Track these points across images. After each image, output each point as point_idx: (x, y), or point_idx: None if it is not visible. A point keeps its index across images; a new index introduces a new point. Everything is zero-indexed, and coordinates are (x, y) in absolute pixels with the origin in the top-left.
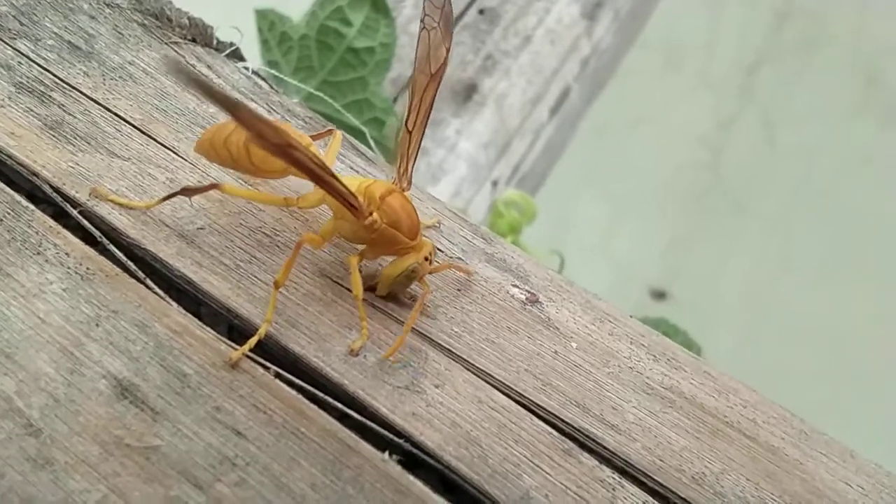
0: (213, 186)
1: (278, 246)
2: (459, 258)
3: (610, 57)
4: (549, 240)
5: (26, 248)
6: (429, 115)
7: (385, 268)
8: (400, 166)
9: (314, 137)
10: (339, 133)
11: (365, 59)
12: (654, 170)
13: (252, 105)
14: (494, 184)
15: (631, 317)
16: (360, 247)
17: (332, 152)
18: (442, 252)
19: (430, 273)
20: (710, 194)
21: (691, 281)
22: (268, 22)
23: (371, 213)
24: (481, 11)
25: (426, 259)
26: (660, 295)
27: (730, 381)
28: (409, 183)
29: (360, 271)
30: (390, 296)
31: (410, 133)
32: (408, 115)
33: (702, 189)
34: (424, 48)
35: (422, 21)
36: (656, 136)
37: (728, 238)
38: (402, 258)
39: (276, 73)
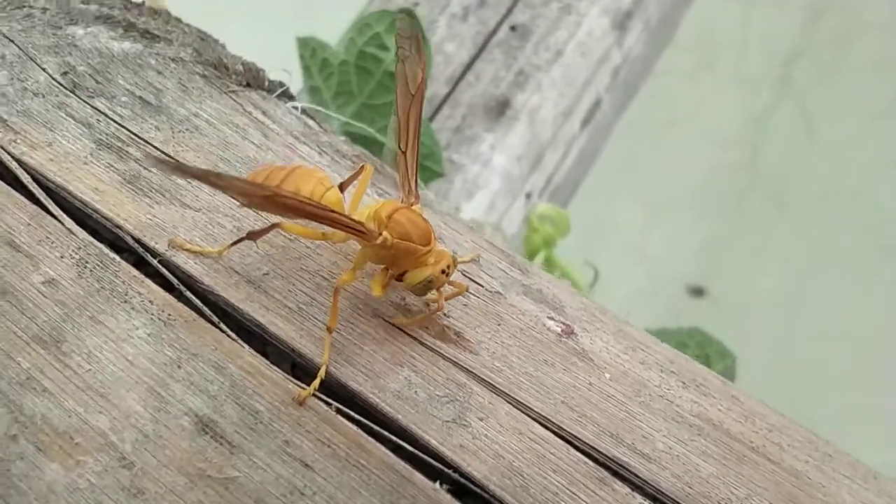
0: (274, 227)
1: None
2: (499, 292)
3: (641, 65)
4: (585, 243)
5: (114, 297)
6: (418, 133)
7: (408, 274)
8: (404, 186)
9: (350, 179)
10: (369, 167)
11: None
12: (690, 169)
13: (303, 148)
14: (528, 196)
15: (662, 341)
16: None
17: (362, 187)
18: (481, 287)
19: (447, 293)
20: (746, 193)
21: (728, 279)
22: (309, 49)
23: (381, 234)
24: (513, 28)
25: (444, 272)
26: (698, 291)
27: (757, 406)
28: (417, 198)
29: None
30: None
31: (405, 153)
32: (399, 138)
33: (738, 187)
34: (402, 75)
35: (396, 54)
36: (691, 136)
37: (765, 236)
38: (420, 269)
39: (316, 107)
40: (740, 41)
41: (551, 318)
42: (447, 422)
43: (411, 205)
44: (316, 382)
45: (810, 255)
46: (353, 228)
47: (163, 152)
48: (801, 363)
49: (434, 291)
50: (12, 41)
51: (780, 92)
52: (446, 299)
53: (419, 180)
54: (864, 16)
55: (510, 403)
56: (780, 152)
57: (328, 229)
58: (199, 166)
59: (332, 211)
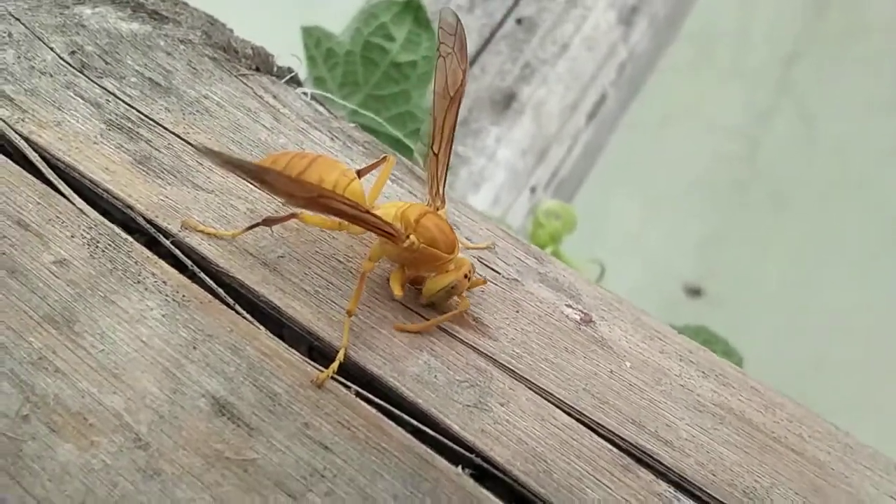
0: (293, 216)
1: (350, 272)
2: (515, 279)
3: (646, 60)
4: (585, 238)
5: (127, 277)
6: (453, 137)
7: (428, 281)
8: (432, 188)
9: (368, 168)
10: (391, 158)
11: (408, 72)
12: (690, 164)
13: (315, 133)
14: (533, 190)
15: (679, 332)
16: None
17: (383, 178)
18: (498, 273)
19: (468, 288)
20: (746, 187)
21: (728, 275)
22: (314, 39)
23: (409, 237)
24: (519, 21)
25: (465, 277)
26: (695, 292)
27: (775, 396)
28: (444, 202)
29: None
30: (432, 305)
31: (437, 156)
32: (432, 139)
33: (738, 182)
34: (442, 73)
35: (438, 49)
36: (691, 131)
37: (765, 231)
38: (443, 275)
39: (323, 93)
40: (741, 35)
41: (569, 306)
42: (468, 406)
43: (437, 209)
44: (335, 365)
45: (810, 249)
46: (385, 231)
47: (174, 133)
48: (802, 358)
49: (455, 298)
50: (19, 20)
51: (780, 87)
52: (469, 288)
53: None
54: (866, 11)
55: (531, 389)
56: (781, 147)
57: (345, 221)
58: (242, 157)
59: (368, 213)
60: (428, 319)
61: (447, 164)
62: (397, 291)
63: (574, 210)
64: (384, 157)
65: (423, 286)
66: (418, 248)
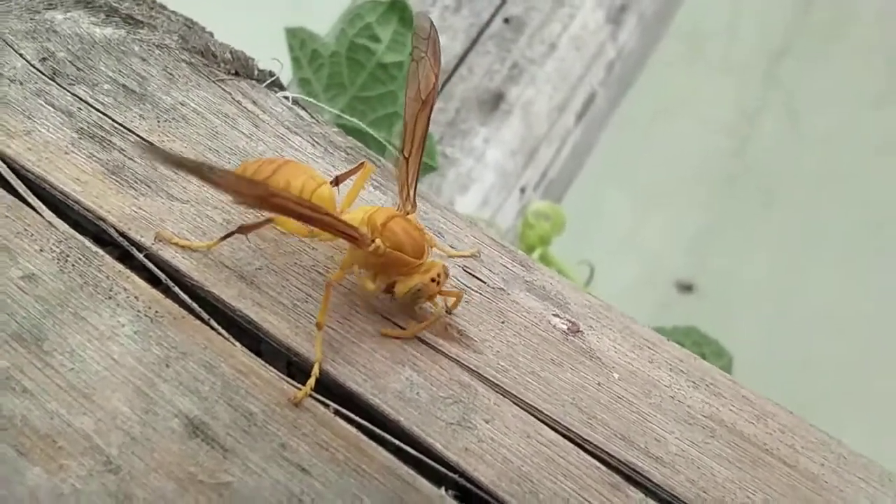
0: (269, 221)
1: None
2: (501, 288)
3: (635, 59)
4: (577, 237)
5: (98, 293)
6: (423, 141)
7: (397, 283)
8: (402, 192)
9: (347, 174)
10: (368, 165)
11: (394, 73)
12: (680, 160)
13: (295, 139)
14: (522, 190)
15: (668, 339)
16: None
17: (358, 184)
18: (484, 283)
19: (439, 296)
20: (736, 183)
21: (718, 271)
22: (298, 41)
23: (374, 241)
24: (507, 20)
25: (434, 280)
26: (687, 287)
27: (767, 405)
28: (414, 206)
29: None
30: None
31: (407, 160)
32: (403, 144)
33: (728, 178)
34: (414, 78)
35: (411, 53)
36: (681, 127)
37: (754, 227)
38: (409, 278)
39: (306, 98)
40: (730, 31)
41: (556, 316)
42: (451, 424)
43: (407, 213)
44: (311, 381)
45: (800, 244)
46: (346, 233)
47: (148, 142)
48: (792, 352)
49: (430, 304)
50: None
51: (769, 82)
52: (452, 307)
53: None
54: (854, 5)
55: (517, 405)
56: (770, 142)
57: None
58: (188, 156)
59: (326, 214)
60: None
61: (418, 169)
62: (369, 286)
63: (563, 211)
64: (361, 164)
65: (394, 288)
66: (384, 252)
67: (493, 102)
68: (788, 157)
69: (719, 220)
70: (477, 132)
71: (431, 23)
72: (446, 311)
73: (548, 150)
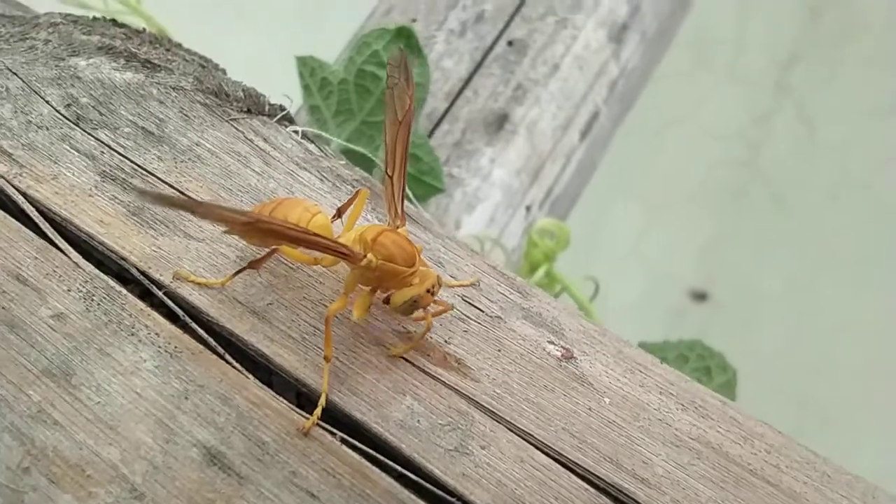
0: (274, 252)
1: (337, 317)
2: (499, 317)
3: (638, 76)
4: (585, 250)
5: (122, 330)
6: (405, 159)
7: (393, 294)
8: (390, 209)
9: (347, 204)
10: (364, 191)
11: None
12: (690, 170)
13: (304, 174)
14: (528, 209)
15: (662, 362)
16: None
17: (356, 211)
18: (482, 312)
19: (432, 309)
20: (747, 192)
21: (730, 281)
22: (308, 68)
23: (366, 256)
24: (510, 43)
25: (429, 291)
26: (700, 296)
27: (756, 426)
28: (403, 221)
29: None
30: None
31: (392, 178)
32: (386, 163)
33: (739, 187)
34: (391, 102)
35: (386, 82)
36: (690, 136)
37: (767, 235)
38: (406, 289)
39: (315, 131)
40: (738, 40)
41: (551, 343)
42: (449, 450)
43: (397, 227)
44: (317, 411)
45: (813, 252)
46: (337, 251)
47: (166, 183)
48: (807, 362)
49: (421, 311)
50: (16, 74)
51: (779, 90)
52: (434, 316)
53: (416, 199)
54: (864, 14)
55: (511, 431)
56: (781, 151)
57: (319, 253)
58: (199, 196)
59: (314, 235)
60: (411, 362)
61: (403, 186)
62: (357, 313)
63: (568, 227)
64: (357, 192)
65: (389, 300)
66: (377, 266)
67: (498, 123)
68: (800, 166)
69: (731, 229)
70: (483, 152)
71: (402, 51)
72: (470, 284)
73: (552, 167)
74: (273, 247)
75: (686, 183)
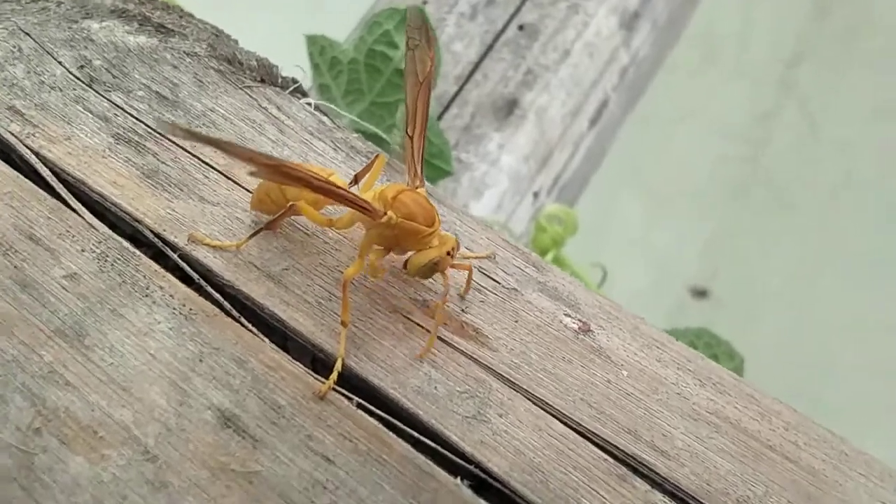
0: (289, 210)
1: (353, 284)
2: (515, 289)
3: (648, 65)
4: (590, 241)
5: (136, 291)
6: (426, 119)
7: (412, 257)
8: (410, 170)
9: (364, 170)
10: (382, 156)
11: None
12: (694, 166)
13: (319, 144)
14: (536, 195)
15: (678, 340)
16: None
17: (374, 175)
18: (498, 283)
19: (451, 268)
20: (750, 189)
21: (733, 277)
22: (318, 47)
23: (386, 212)
24: (521, 27)
25: (449, 254)
26: (700, 293)
27: (772, 404)
28: (422, 182)
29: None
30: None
31: (412, 138)
32: (407, 123)
33: (742, 183)
34: (412, 63)
35: (406, 43)
36: (695, 132)
37: (769, 233)
38: (427, 250)
39: (327, 104)
40: (744, 36)
41: (568, 315)
42: (467, 417)
43: (416, 188)
44: (333, 376)
45: (815, 250)
46: (357, 204)
47: (181, 147)
48: (808, 358)
49: (440, 274)
50: (28, 34)
51: (783, 87)
52: (465, 292)
53: (425, 177)
54: (870, 11)
55: (529, 400)
56: (785, 148)
57: (335, 214)
58: (216, 161)
59: (336, 185)
60: (427, 330)
61: (423, 146)
62: (372, 273)
63: (576, 214)
64: (376, 156)
65: (408, 262)
66: (397, 223)
67: (508, 108)
68: (803, 163)
69: (733, 225)
70: (491, 138)
71: (422, 11)
72: (460, 297)
73: (561, 154)
74: (290, 204)
75: (689, 178)
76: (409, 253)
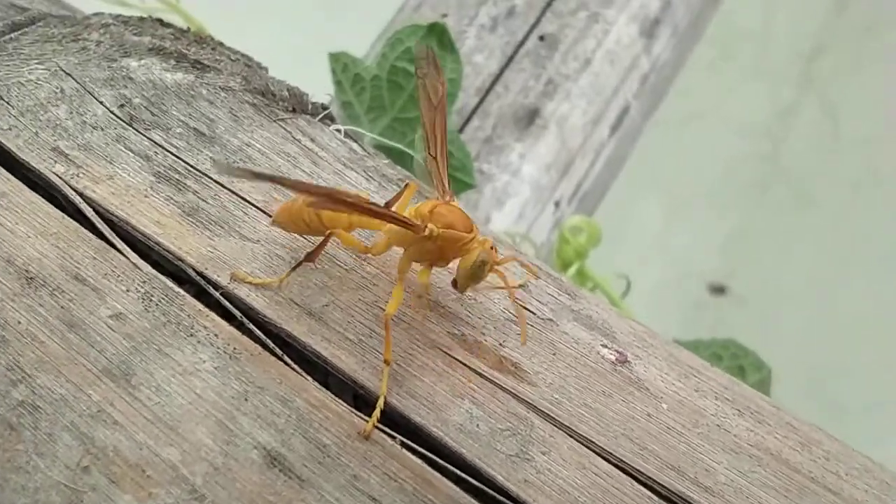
0: (328, 239)
1: (392, 320)
2: (550, 319)
3: (669, 70)
4: (610, 241)
5: (181, 331)
6: (445, 140)
7: (460, 262)
8: (438, 186)
9: (395, 198)
10: (412, 184)
11: None
12: (713, 163)
13: (351, 174)
14: (557, 204)
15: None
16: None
17: (404, 202)
18: (533, 314)
19: (497, 263)
20: (770, 186)
21: (752, 274)
22: (341, 64)
23: (426, 226)
24: (541, 38)
25: (492, 248)
26: (719, 290)
27: (812, 432)
28: (452, 195)
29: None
30: (472, 288)
31: (436, 158)
32: (428, 145)
33: (762, 181)
34: (424, 91)
35: (416, 74)
36: (714, 129)
37: (789, 230)
38: (469, 253)
39: (355, 128)
40: (763, 33)
41: (605, 346)
42: (510, 456)
43: (448, 202)
44: (376, 413)
45: (835, 247)
46: (401, 221)
47: (219, 184)
48: (830, 358)
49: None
50: (70, 75)
51: (803, 83)
52: (501, 263)
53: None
54: (890, 4)
55: (572, 437)
56: (805, 144)
57: (371, 241)
58: (252, 196)
59: (380, 207)
60: (468, 365)
61: (446, 163)
62: (422, 284)
63: (598, 224)
64: (407, 185)
65: (456, 274)
66: (439, 234)
67: (529, 118)
68: (824, 160)
69: (753, 223)
70: (512, 148)
71: (428, 46)
72: (519, 286)
73: (582, 163)
74: (328, 232)
75: (708, 176)
76: (455, 261)
